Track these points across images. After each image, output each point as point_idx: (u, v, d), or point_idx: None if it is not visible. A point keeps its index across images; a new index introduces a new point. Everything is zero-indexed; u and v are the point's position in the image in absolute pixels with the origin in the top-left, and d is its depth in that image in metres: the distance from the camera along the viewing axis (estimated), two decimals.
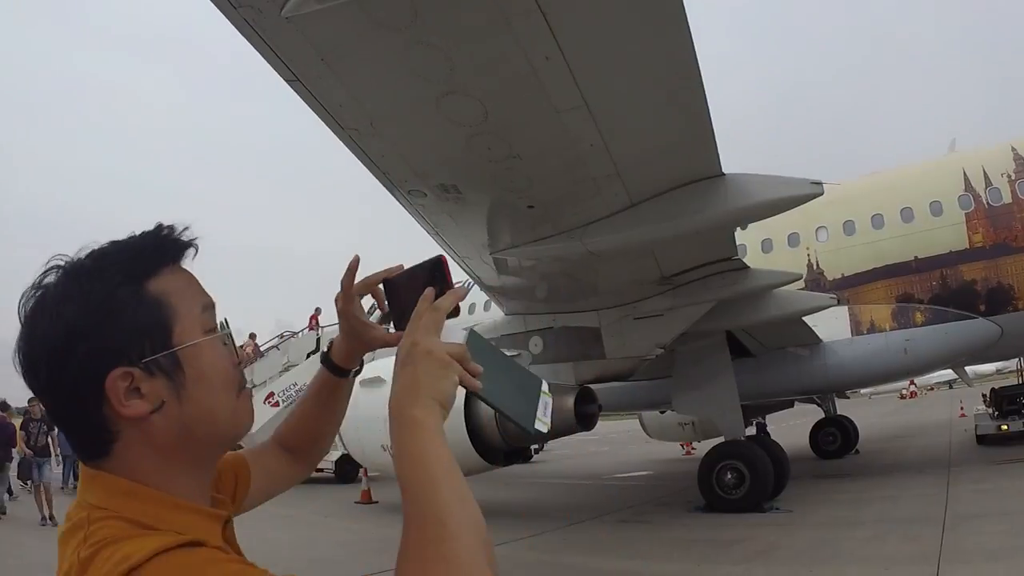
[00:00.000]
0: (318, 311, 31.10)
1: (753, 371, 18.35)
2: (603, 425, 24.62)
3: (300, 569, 10.93)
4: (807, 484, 18.51)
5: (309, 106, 7.86)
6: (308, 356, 28.67)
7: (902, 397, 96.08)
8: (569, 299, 14.69)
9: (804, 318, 17.02)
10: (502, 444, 13.83)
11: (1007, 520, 10.83)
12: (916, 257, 17.99)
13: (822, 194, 10.43)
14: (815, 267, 19.22)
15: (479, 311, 24.09)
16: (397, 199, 10.54)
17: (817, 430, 27.43)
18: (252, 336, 31.74)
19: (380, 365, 16.10)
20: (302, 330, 31.24)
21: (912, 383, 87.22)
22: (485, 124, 8.18)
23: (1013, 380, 28.41)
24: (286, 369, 28.77)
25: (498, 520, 16.49)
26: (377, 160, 9.39)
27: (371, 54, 7.06)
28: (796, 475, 20.08)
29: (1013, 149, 17.94)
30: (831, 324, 18.22)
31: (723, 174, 10.12)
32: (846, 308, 18.37)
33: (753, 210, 10.62)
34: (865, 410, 71.64)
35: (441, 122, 8.18)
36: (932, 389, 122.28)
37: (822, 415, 28.06)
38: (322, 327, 30.45)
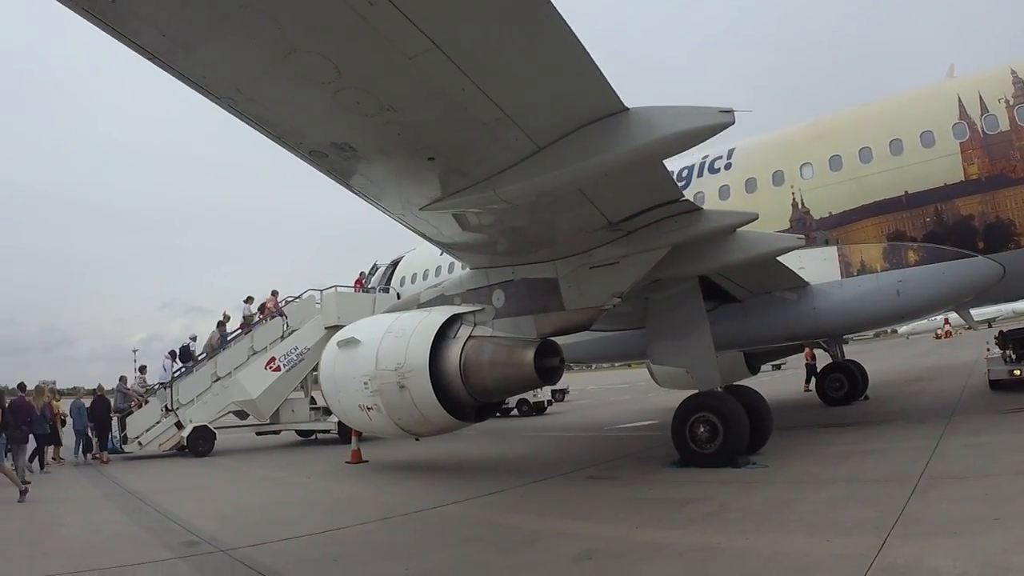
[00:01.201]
0: (275, 293, 31.55)
1: (739, 316, 17.82)
2: (634, 372, 24.85)
3: (254, 529, 11.64)
4: (799, 434, 17.83)
5: (178, 79, 8.01)
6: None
7: (937, 337, 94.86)
8: (526, 250, 14.35)
9: (792, 260, 16.46)
10: (469, 400, 13.92)
11: (985, 484, 9.93)
12: (907, 192, 16.98)
13: (732, 123, 9.67)
14: (800, 206, 18.31)
15: (444, 274, 23.98)
16: (305, 162, 10.55)
17: (824, 376, 26.71)
18: (274, 293, 31.68)
19: (357, 326, 15.84)
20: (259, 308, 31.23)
21: (947, 322, 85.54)
22: (342, 79, 8.26)
23: None
24: (289, 334, 28.90)
25: (469, 476, 16.70)
26: (262, 124, 9.40)
27: (202, 24, 7.24)
28: (794, 423, 19.91)
29: (1013, 72, 16.73)
30: (820, 266, 17.48)
31: (626, 109, 9.74)
32: (835, 249, 17.57)
33: (661, 144, 9.96)
34: (897, 351, 70.93)
35: (298, 81, 8.34)
36: (969, 328, 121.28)
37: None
38: (319, 291, 30.68)
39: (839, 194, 17.81)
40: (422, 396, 13.88)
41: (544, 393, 38.34)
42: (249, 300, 31.44)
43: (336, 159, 10.57)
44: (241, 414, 28.68)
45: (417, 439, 18.33)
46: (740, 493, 11.39)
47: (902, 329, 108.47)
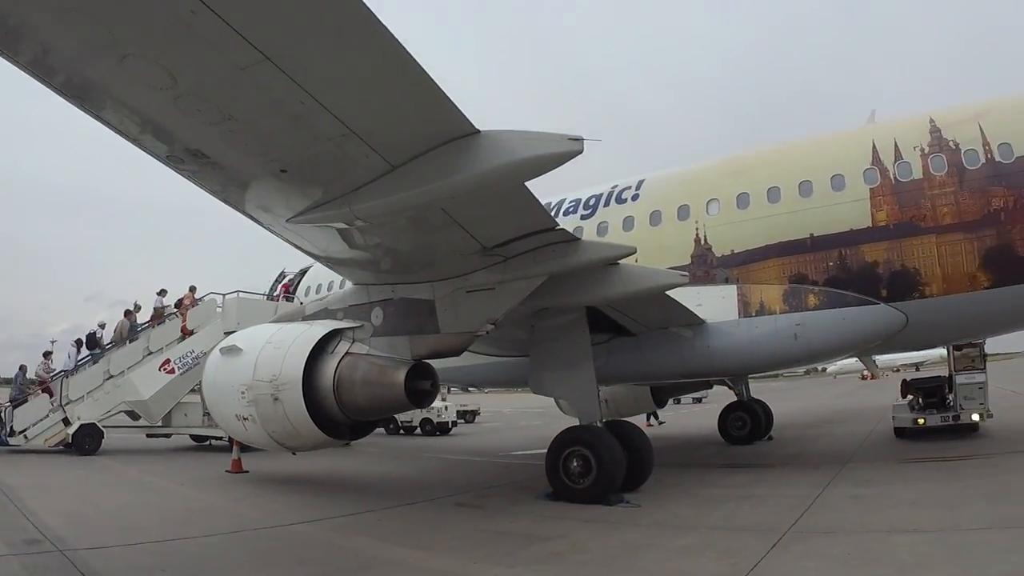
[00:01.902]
0: (194, 288, 30.83)
1: (633, 350, 17.46)
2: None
3: (100, 532, 11.61)
4: (688, 473, 17.72)
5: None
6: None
7: (863, 378, 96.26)
8: (405, 270, 14.09)
9: (690, 297, 16.35)
10: (342, 417, 13.56)
11: (852, 542, 9.56)
12: (812, 235, 16.69)
13: (581, 151, 9.44)
14: (703, 242, 17.96)
15: (336, 288, 23.62)
16: (166, 166, 10.27)
17: (726, 414, 26.44)
18: (192, 289, 30.76)
19: (241, 334, 15.50)
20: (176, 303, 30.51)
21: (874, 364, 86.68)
22: (178, 86, 8.12)
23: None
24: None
25: (339, 494, 16.83)
26: (114, 127, 9.14)
27: (36, 25, 7.15)
28: (689, 461, 20.03)
29: (932, 121, 16.57)
30: (718, 304, 17.12)
31: (477, 132, 9.55)
32: (735, 287, 17.24)
33: (508, 169, 9.70)
34: (820, 390, 71.59)
35: (137, 87, 8.18)
36: (897, 371, 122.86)
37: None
38: (222, 295, 30.01)
39: (743, 232, 17.50)
40: (294, 410, 13.44)
41: (450, 414, 38.52)
42: (162, 292, 30.77)
43: (192, 166, 10.26)
44: (133, 415, 27.89)
45: (293, 453, 18.10)
46: (598, 533, 11.13)
47: (830, 368, 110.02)
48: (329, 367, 13.70)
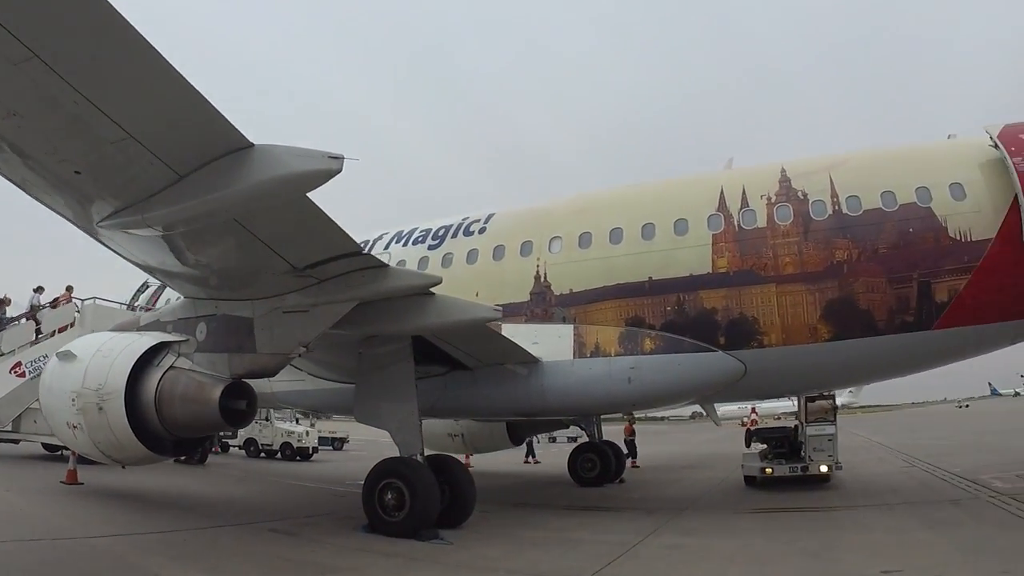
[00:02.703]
0: (70, 288, 29.89)
1: (469, 384, 17.12)
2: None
3: None
4: (518, 513, 17.74)
5: None
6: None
7: (743, 424, 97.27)
8: (225, 286, 13.73)
9: (527, 334, 16.46)
10: (164, 433, 13.14)
11: None
12: (651, 278, 16.53)
13: (340, 170, 9.38)
14: (542, 279, 17.69)
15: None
16: None
17: (576, 455, 26.14)
18: (69, 288, 29.74)
19: (78, 341, 14.78)
20: (51, 302, 29.52)
21: (753, 411, 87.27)
22: None
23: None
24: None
25: (163, 511, 16.86)
26: None
27: None
28: (526, 500, 20.06)
29: (783, 170, 16.60)
30: (554, 343, 16.85)
31: (251, 145, 9.49)
32: (572, 327, 16.98)
33: (272, 184, 9.60)
34: (694, 435, 72.39)
35: None
36: (778, 419, 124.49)
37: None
38: (81, 300, 28.93)
39: (583, 272, 17.28)
40: (117, 422, 12.96)
41: (311, 439, 38.42)
42: (39, 290, 29.62)
43: None
44: None
45: (123, 467, 17.57)
46: (391, 570, 11.14)
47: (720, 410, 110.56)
48: (152, 380, 13.29)
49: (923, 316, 15.29)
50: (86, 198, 10.78)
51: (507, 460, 33.07)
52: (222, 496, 20.49)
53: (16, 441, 28.05)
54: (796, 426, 22.68)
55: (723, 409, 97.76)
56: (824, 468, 20.87)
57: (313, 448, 38.74)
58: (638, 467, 32.50)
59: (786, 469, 21.18)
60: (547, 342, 16.83)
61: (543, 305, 17.39)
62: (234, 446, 39.87)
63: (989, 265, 15.03)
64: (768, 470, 21.37)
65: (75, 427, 13.55)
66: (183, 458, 29.95)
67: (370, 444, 50.33)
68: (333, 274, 12.90)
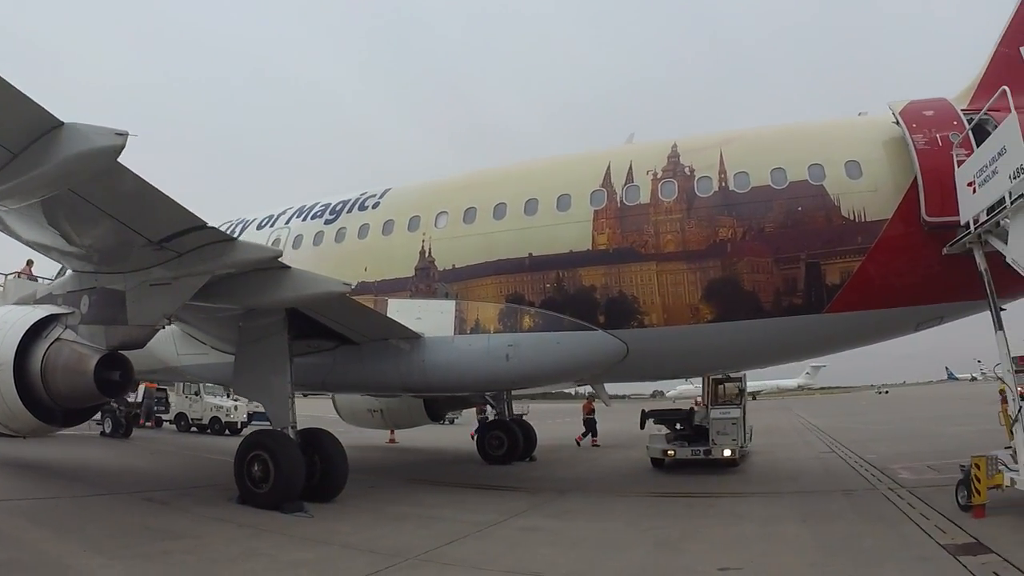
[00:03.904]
0: (31, 262, 28.90)
1: (356, 360, 17.01)
2: None
3: None
4: (403, 490, 17.67)
5: None
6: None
7: (696, 404, 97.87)
8: (101, 260, 13.99)
9: (410, 309, 16.61)
10: (51, 403, 13.58)
11: None
12: (531, 254, 16.29)
13: (123, 146, 9.81)
14: (427, 255, 17.52)
15: None
16: None
17: (484, 433, 25.94)
18: (29, 262, 28.55)
19: None
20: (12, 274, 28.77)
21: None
22: None
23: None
24: None
25: (53, 480, 17.64)
26: None
27: None
28: (427, 478, 20.11)
29: (675, 146, 16.28)
30: (436, 319, 16.71)
31: (61, 124, 9.80)
32: (454, 303, 16.83)
33: (77, 158, 9.94)
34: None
35: None
36: (753, 398, 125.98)
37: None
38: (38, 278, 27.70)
39: (466, 247, 17.08)
40: (7, 392, 13.50)
41: (239, 414, 38.32)
42: (30, 263, 29.04)
43: None
44: None
45: (24, 437, 17.66)
46: (233, 539, 11.37)
47: (669, 393, 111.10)
48: (39, 352, 13.74)
49: (813, 299, 14.99)
50: None
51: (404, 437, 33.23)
52: (122, 467, 20.87)
53: None
54: (692, 408, 22.31)
55: (680, 389, 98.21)
56: (728, 452, 20.50)
57: (242, 423, 38.46)
58: (598, 445, 32.15)
59: (688, 452, 20.91)
60: (430, 318, 16.70)
61: (427, 281, 17.25)
62: (167, 420, 40.00)
63: (885, 247, 14.68)
64: (671, 452, 21.10)
65: None
66: (108, 432, 29.73)
67: (317, 422, 50.10)
68: (189, 248, 12.97)
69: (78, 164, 10.10)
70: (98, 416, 30.55)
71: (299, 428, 14.85)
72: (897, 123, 15.03)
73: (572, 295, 15.81)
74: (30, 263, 28.70)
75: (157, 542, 10.86)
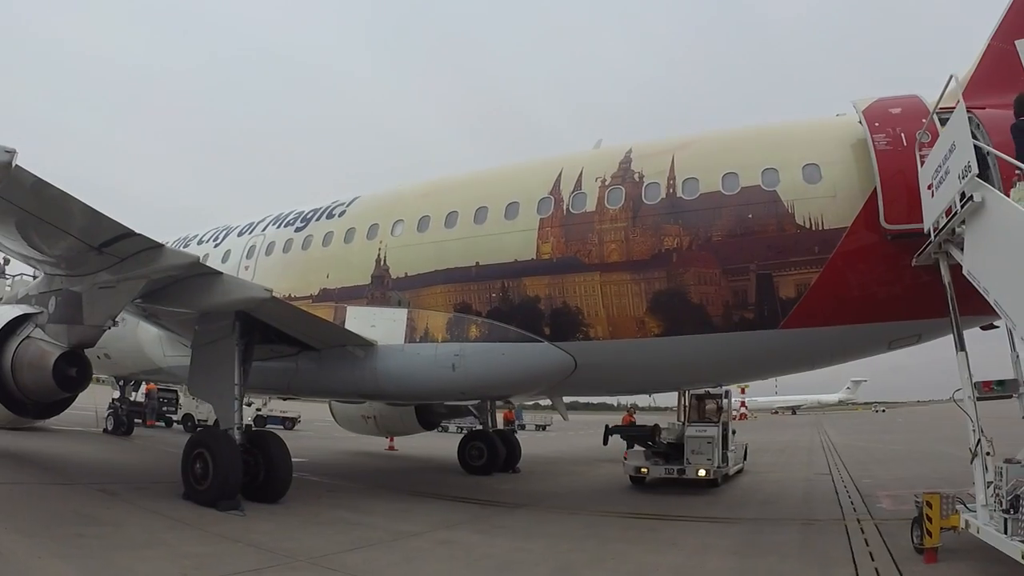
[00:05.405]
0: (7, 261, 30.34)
1: (315, 366, 17.36)
2: None
3: None
4: (358, 497, 17.51)
5: None
6: None
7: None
8: (62, 265, 14.68)
9: (365, 317, 16.99)
10: (21, 397, 14.62)
11: None
12: (478, 263, 16.27)
13: (10, 163, 10.32)
14: (382, 263, 17.68)
15: None
16: None
17: (465, 443, 25.74)
18: (7, 260, 30.04)
19: None
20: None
21: (743, 404, 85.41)
22: None
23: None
24: None
25: (16, 468, 18.37)
26: None
27: None
28: (393, 485, 20.07)
29: (629, 151, 15.94)
30: (389, 327, 16.90)
31: None
32: (405, 311, 16.96)
33: None
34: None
35: None
36: (775, 412, 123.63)
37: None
38: (12, 276, 29.91)
39: (419, 256, 17.18)
40: None
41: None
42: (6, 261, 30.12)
43: None
44: None
45: (2, 427, 18.99)
46: (154, 530, 11.71)
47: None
48: (10, 348, 14.80)
49: (766, 313, 14.26)
50: None
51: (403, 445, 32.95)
52: (100, 460, 21.40)
53: None
54: (655, 425, 21.64)
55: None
56: (702, 472, 19.84)
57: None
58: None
59: (662, 471, 20.45)
60: (383, 325, 16.90)
61: (382, 288, 17.43)
62: (176, 421, 40.38)
63: (845, 257, 13.80)
64: (644, 470, 20.70)
65: None
66: (110, 429, 30.15)
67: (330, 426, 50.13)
68: (127, 253, 13.56)
69: None
70: (104, 414, 31.44)
71: (252, 431, 15.60)
72: (860, 122, 14.13)
73: (518, 305, 15.72)
74: (7, 261, 29.58)
75: (76, 526, 11.34)
